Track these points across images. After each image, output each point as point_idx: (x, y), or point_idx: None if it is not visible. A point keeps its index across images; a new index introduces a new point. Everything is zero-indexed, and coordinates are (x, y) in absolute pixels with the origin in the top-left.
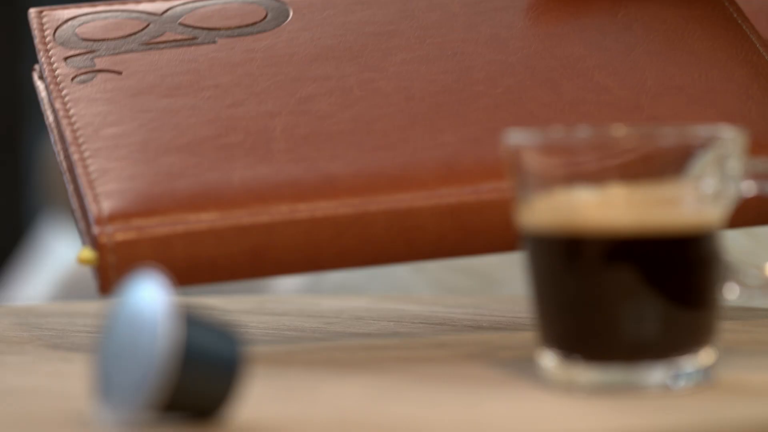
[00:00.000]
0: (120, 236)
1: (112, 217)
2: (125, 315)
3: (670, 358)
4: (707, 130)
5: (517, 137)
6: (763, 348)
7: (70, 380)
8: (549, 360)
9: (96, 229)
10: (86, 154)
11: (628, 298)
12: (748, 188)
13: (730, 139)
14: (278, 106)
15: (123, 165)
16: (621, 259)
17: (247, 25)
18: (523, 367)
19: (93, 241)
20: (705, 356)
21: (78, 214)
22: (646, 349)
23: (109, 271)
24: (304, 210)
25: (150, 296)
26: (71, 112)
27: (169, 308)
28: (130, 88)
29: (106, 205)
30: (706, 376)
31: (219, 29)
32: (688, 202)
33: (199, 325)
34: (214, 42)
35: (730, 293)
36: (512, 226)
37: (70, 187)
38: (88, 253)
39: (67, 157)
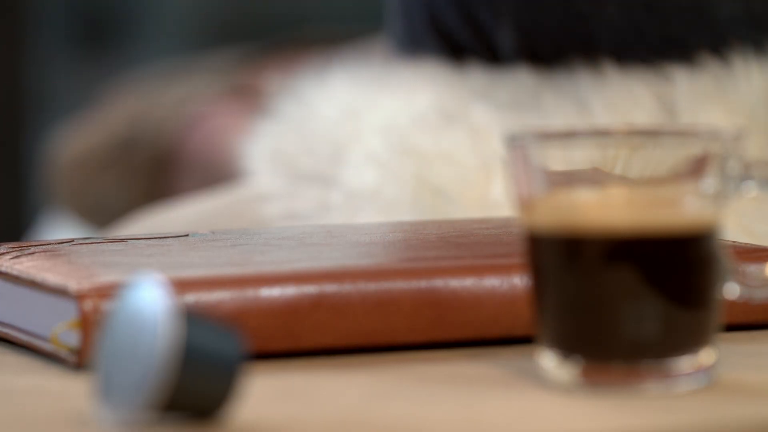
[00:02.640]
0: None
1: (90, 291)
2: (125, 315)
3: (670, 359)
4: (707, 130)
5: (518, 137)
6: (763, 348)
7: (70, 380)
8: (549, 360)
9: (80, 302)
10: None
11: (628, 298)
12: (748, 189)
13: (730, 139)
14: (233, 255)
15: (78, 270)
16: (621, 259)
17: (175, 236)
18: (523, 367)
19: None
20: (705, 356)
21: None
22: (646, 349)
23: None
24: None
25: (150, 296)
26: (15, 266)
27: (169, 308)
28: (67, 255)
29: (84, 283)
30: (706, 376)
31: (147, 238)
32: (688, 202)
33: (199, 325)
34: (146, 239)
35: (730, 293)
36: (489, 313)
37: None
38: (63, 328)
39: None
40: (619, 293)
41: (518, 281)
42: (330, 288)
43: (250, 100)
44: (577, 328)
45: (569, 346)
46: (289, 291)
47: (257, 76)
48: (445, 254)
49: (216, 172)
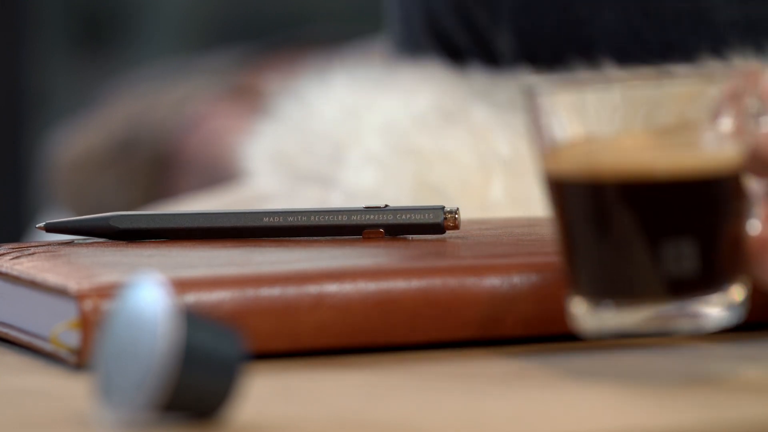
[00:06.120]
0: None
1: (90, 291)
2: (125, 315)
3: (700, 298)
4: (725, 69)
5: (536, 87)
6: (763, 348)
7: (70, 380)
8: (579, 307)
9: (80, 302)
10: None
11: (654, 240)
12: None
13: (748, 76)
14: (238, 255)
15: (78, 270)
16: (647, 200)
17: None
18: (523, 366)
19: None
20: (734, 294)
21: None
22: (675, 290)
23: (89, 340)
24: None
25: (150, 296)
26: (15, 267)
27: (169, 308)
28: (67, 256)
29: (84, 283)
30: (737, 313)
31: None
32: (710, 142)
33: (199, 325)
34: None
35: (755, 230)
36: (486, 313)
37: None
38: (64, 328)
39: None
40: (645, 236)
41: (518, 281)
42: (330, 288)
43: (250, 100)
44: (606, 273)
45: (599, 292)
46: (289, 291)
47: (257, 76)
48: (445, 254)
49: (216, 173)
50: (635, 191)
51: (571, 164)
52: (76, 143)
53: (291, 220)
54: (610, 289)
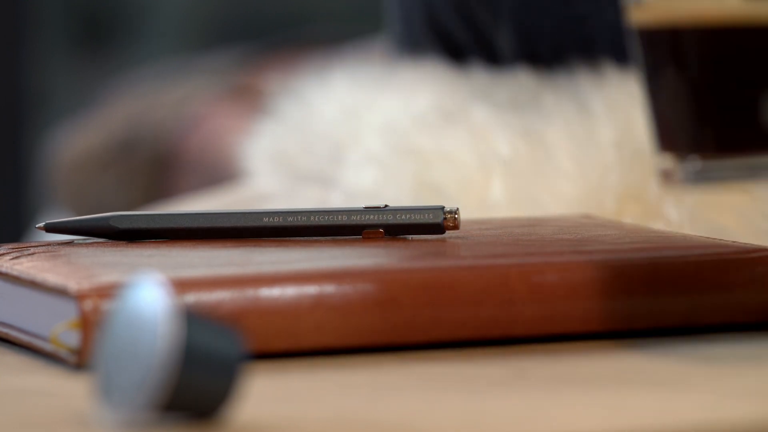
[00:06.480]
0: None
1: (90, 291)
2: (125, 315)
3: None
4: None
5: None
6: (763, 348)
7: (70, 380)
8: (666, 162)
9: (80, 303)
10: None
11: (742, 91)
12: None
13: None
14: (238, 255)
15: (78, 269)
16: (735, 51)
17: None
18: (524, 366)
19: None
20: None
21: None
22: (761, 143)
23: (89, 340)
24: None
25: (150, 296)
26: (15, 267)
27: (169, 308)
28: (67, 256)
29: (84, 283)
30: None
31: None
32: None
33: (199, 325)
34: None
35: None
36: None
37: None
38: (63, 328)
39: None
40: (734, 86)
41: (518, 281)
42: (330, 288)
43: (250, 100)
44: (693, 126)
45: (686, 145)
46: (289, 291)
47: (257, 76)
48: (445, 254)
49: (216, 173)
50: (728, 40)
51: (661, 13)
52: (76, 143)
53: (291, 220)
54: (697, 142)
